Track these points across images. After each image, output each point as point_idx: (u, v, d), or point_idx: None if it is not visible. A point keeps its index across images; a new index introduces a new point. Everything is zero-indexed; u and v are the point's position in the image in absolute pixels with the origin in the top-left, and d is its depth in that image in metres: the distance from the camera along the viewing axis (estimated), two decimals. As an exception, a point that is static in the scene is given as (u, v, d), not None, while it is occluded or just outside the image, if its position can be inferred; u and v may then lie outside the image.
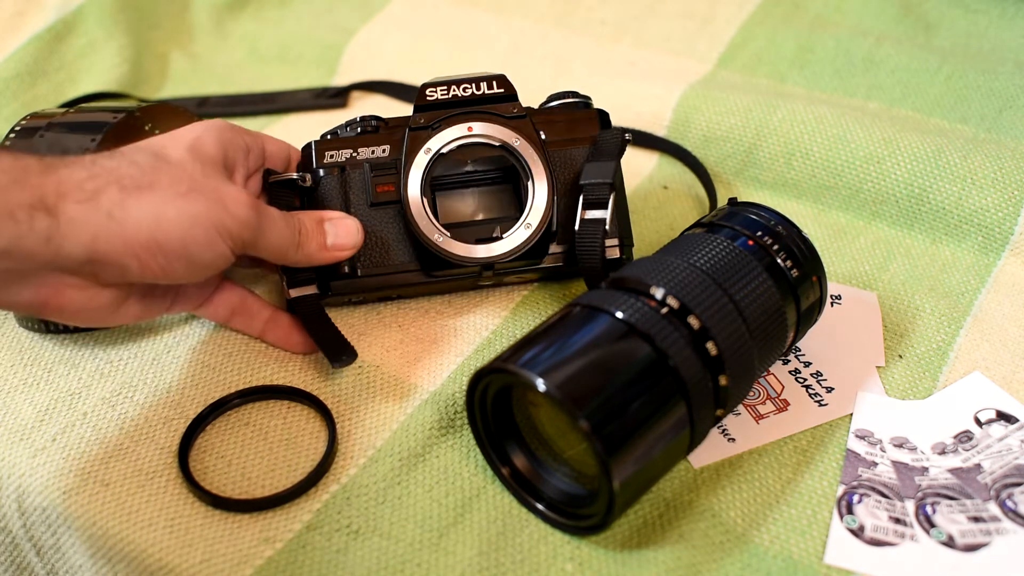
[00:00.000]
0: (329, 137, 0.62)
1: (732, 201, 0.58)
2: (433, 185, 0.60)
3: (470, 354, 0.59)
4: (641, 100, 0.79)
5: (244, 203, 0.50)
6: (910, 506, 0.50)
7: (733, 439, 0.54)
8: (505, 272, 0.61)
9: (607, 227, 0.58)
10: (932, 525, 0.49)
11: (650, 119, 0.78)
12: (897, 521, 0.50)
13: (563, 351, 0.47)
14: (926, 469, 0.52)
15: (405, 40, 0.91)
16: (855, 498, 0.51)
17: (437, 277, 0.60)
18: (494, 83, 0.60)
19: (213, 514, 0.51)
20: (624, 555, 0.49)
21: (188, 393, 0.57)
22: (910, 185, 0.68)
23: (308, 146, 0.61)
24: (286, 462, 0.53)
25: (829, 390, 0.57)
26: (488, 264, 0.58)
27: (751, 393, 0.56)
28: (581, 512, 0.49)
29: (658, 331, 0.47)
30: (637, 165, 0.76)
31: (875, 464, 0.53)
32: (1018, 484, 0.51)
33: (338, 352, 0.56)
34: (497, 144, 0.59)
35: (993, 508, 0.50)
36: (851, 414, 0.56)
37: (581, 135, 0.62)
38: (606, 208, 0.58)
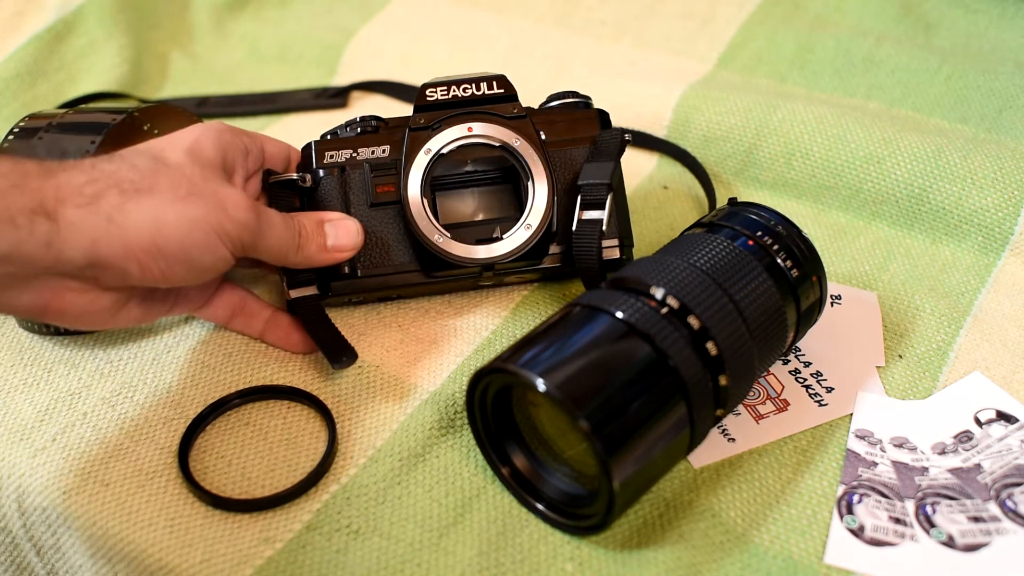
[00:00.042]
0: (329, 137, 0.62)
1: (732, 201, 0.58)
2: (433, 185, 0.60)
3: (470, 354, 0.59)
4: (641, 100, 0.79)
5: (243, 206, 0.50)
6: (910, 506, 0.50)
7: (733, 439, 0.54)
8: (505, 272, 0.61)
9: (604, 228, 0.58)
10: (932, 525, 0.49)
11: (650, 119, 0.78)
12: (897, 521, 0.50)
13: (563, 351, 0.47)
14: (926, 469, 0.52)
15: (405, 40, 0.91)
16: (855, 498, 0.51)
17: (437, 278, 0.60)
18: (494, 83, 0.60)
19: (213, 514, 0.51)
20: (624, 555, 0.49)
21: (188, 393, 0.57)
22: (910, 185, 0.68)
23: (308, 146, 0.61)
24: (286, 462, 0.53)
25: (829, 390, 0.57)
26: (488, 265, 0.58)
27: (751, 393, 0.56)
28: (581, 512, 0.49)
29: (658, 331, 0.47)
30: (637, 165, 0.76)
31: (875, 464, 0.53)
32: (1018, 484, 0.51)
33: (338, 353, 0.56)
34: (497, 144, 0.59)
35: (993, 508, 0.50)
36: (851, 414, 0.56)
37: (581, 135, 0.62)
38: (603, 209, 0.58)
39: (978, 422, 0.55)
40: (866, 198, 0.70)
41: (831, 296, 0.63)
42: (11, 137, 0.60)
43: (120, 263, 0.47)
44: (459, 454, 0.54)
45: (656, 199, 0.73)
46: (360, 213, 0.60)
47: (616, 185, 0.60)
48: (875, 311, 0.62)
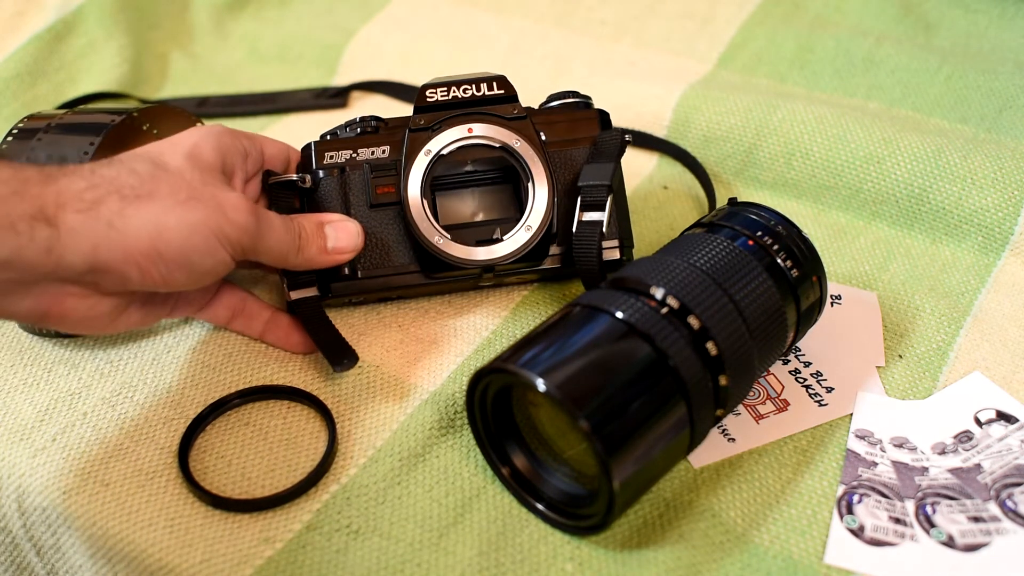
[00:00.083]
0: (329, 138, 0.62)
1: (732, 201, 0.58)
2: (433, 186, 0.60)
3: (470, 354, 0.59)
4: (641, 100, 0.79)
5: (243, 209, 0.50)
6: (910, 506, 0.50)
7: (733, 439, 0.54)
8: (505, 274, 0.61)
9: (605, 229, 0.58)
10: (932, 525, 0.49)
11: (650, 119, 0.78)
12: (897, 521, 0.50)
13: (563, 351, 0.47)
14: (926, 469, 0.52)
15: (405, 40, 0.91)
16: (855, 498, 0.51)
17: (437, 279, 0.60)
18: (494, 84, 0.60)
19: (213, 514, 0.51)
20: (624, 555, 0.49)
21: (188, 393, 0.57)
22: (910, 185, 0.68)
23: (308, 147, 0.61)
24: (286, 462, 0.53)
25: (829, 390, 0.57)
26: (488, 266, 0.58)
27: (751, 393, 0.56)
28: (581, 512, 0.49)
29: (658, 331, 0.47)
30: (637, 165, 0.76)
31: (875, 464, 0.53)
32: (1018, 484, 0.51)
33: (339, 356, 0.56)
34: (497, 145, 0.59)
35: (993, 508, 0.50)
36: (851, 414, 0.56)
37: (581, 135, 0.62)
38: (603, 210, 0.58)
39: (978, 422, 0.55)
40: (866, 198, 0.70)
41: (831, 296, 0.63)
42: (10, 138, 0.60)
43: (120, 268, 0.47)
44: (459, 454, 0.54)
45: (656, 199, 0.73)
46: (360, 214, 0.60)
47: (616, 186, 0.60)
48: (875, 311, 0.62)
